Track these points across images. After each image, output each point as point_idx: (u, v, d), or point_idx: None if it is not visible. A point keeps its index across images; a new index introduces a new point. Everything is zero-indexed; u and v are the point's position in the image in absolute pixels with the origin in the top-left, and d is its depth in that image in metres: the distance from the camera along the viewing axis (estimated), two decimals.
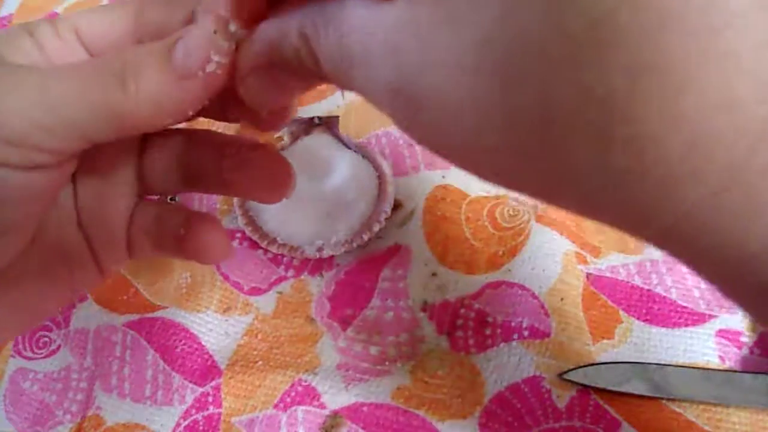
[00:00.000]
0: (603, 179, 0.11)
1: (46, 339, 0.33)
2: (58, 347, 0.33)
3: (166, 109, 0.17)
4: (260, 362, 0.32)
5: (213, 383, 0.31)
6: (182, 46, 0.16)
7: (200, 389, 0.31)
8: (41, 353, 0.33)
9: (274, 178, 0.20)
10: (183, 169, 0.21)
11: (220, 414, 0.30)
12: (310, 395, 0.30)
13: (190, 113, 0.17)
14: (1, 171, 0.16)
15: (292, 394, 0.30)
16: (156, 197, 0.24)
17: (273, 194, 0.21)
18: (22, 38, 0.18)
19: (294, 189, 0.21)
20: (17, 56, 0.18)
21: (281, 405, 0.30)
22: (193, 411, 0.30)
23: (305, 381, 0.31)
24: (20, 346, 0.33)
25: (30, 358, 0.33)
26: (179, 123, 0.18)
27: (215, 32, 0.16)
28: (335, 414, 0.30)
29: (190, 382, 0.31)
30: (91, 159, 0.20)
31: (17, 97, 0.16)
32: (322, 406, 0.30)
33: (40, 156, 0.17)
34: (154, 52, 0.17)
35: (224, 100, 0.19)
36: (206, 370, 0.31)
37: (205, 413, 0.30)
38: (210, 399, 0.31)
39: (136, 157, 0.21)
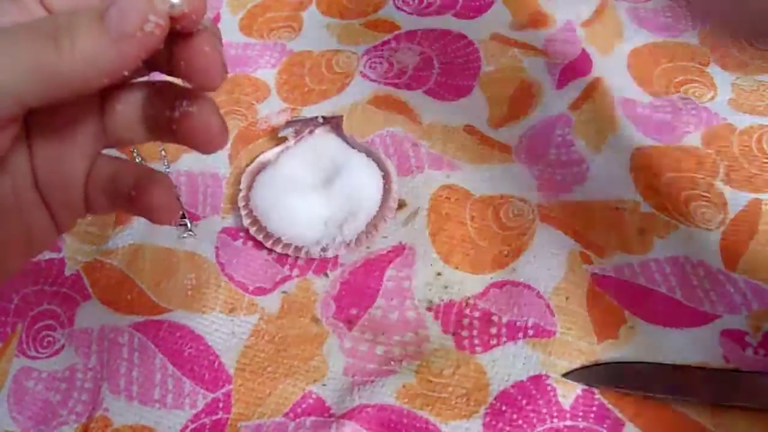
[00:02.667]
0: None
1: (50, 338, 0.33)
2: (62, 347, 0.33)
3: (102, 69, 0.17)
4: (269, 368, 0.32)
5: (224, 389, 0.31)
6: (116, 8, 0.17)
7: (212, 395, 0.31)
8: (45, 353, 0.33)
9: (207, 131, 0.20)
10: (146, 121, 0.21)
11: (227, 419, 0.30)
12: (320, 408, 0.30)
13: (126, 73, 0.17)
14: None
15: (303, 405, 0.31)
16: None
17: (206, 146, 0.21)
18: None
19: (225, 143, 0.21)
20: None
21: (291, 414, 0.30)
22: (203, 415, 0.31)
23: (315, 393, 0.31)
24: (24, 346, 0.33)
25: (34, 358, 0.33)
26: (114, 83, 0.18)
27: None
28: (341, 419, 0.30)
29: (202, 387, 0.31)
30: (46, 120, 0.20)
31: None
32: (330, 416, 0.30)
33: None
34: (88, 14, 0.17)
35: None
36: (216, 374, 0.32)
37: (214, 417, 0.30)
38: (220, 405, 0.31)
39: (97, 113, 0.21)
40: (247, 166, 0.38)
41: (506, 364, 0.30)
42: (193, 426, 0.30)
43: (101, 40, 0.17)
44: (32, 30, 0.17)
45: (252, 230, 0.35)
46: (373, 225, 0.35)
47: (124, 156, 0.39)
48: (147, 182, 0.21)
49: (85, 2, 0.19)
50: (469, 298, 0.33)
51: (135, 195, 0.21)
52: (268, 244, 0.35)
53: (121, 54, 0.17)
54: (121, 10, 0.17)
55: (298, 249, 0.34)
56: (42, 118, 0.20)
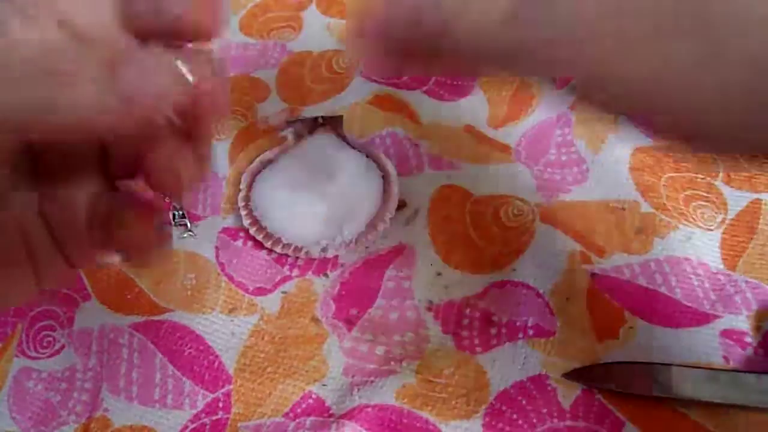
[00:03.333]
0: None
1: (50, 338, 0.33)
2: (62, 347, 0.33)
3: (93, 120, 0.16)
4: (269, 368, 0.32)
5: (224, 389, 0.31)
6: (135, 69, 0.15)
7: (212, 395, 0.31)
8: (45, 353, 0.33)
9: (173, 179, 0.19)
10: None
11: (227, 419, 0.30)
12: (320, 408, 0.30)
13: (123, 133, 0.16)
14: None
15: (303, 405, 0.31)
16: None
17: (173, 193, 0.20)
18: None
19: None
20: None
21: (291, 414, 0.30)
22: (203, 416, 0.31)
23: (315, 393, 0.31)
24: (24, 346, 0.33)
25: (34, 358, 0.33)
26: (109, 136, 0.17)
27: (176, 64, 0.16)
28: (341, 419, 0.30)
29: (202, 387, 0.31)
30: (48, 157, 0.19)
31: None
32: (330, 416, 0.30)
33: None
34: (96, 57, 0.15)
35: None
36: (216, 374, 0.32)
37: (214, 418, 0.30)
38: (220, 405, 0.31)
39: (98, 145, 0.20)
40: (248, 166, 0.38)
41: (506, 364, 0.30)
42: (193, 426, 0.30)
43: (108, 95, 0.15)
44: (34, 63, 0.15)
45: (252, 230, 0.35)
46: (373, 225, 0.35)
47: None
48: (130, 219, 0.20)
49: (103, 22, 0.17)
50: (469, 298, 0.33)
51: (117, 229, 0.19)
52: (268, 245, 0.35)
53: (125, 116, 0.15)
54: (140, 75, 0.15)
55: (298, 249, 0.34)
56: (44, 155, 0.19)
